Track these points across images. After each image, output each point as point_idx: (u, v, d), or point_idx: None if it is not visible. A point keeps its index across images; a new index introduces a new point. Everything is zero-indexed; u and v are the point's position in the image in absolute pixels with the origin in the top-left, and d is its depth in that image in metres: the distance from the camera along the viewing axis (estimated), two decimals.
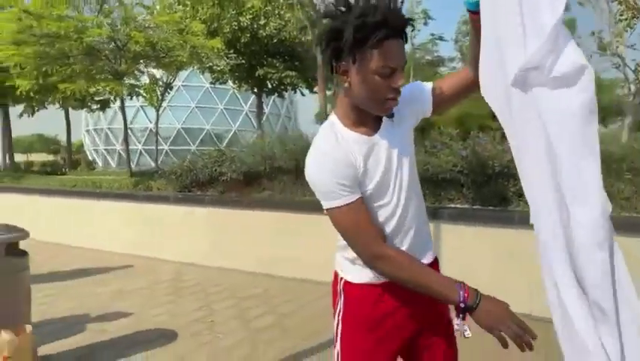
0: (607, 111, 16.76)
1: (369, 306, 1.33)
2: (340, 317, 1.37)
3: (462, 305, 1.14)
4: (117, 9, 7.07)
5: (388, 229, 1.29)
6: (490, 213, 4.19)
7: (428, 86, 1.36)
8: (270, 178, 5.83)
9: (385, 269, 1.21)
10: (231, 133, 38.38)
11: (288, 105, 43.16)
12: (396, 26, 1.12)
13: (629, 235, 3.54)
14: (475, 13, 1.12)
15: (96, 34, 6.37)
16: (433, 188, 4.72)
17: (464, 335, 1.15)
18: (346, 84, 1.19)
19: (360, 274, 1.33)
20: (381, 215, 1.28)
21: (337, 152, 1.20)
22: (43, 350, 3.09)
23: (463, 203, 4.59)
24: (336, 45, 1.15)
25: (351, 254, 1.30)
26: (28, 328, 2.57)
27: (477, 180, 4.50)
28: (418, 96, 1.34)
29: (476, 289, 1.19)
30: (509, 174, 4.38)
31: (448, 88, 1.35)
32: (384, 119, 1.28)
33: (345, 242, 1.28)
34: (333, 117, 1.28)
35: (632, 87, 7.13)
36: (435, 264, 1.45)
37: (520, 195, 4.33)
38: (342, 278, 1.38)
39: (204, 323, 3.71)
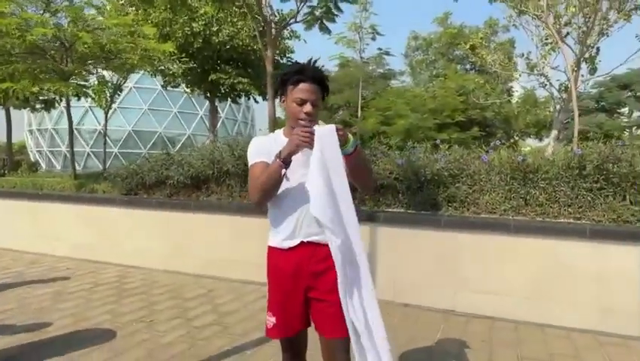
0: (542, 126, 18.03)
1: (276, 260, 1.92)
2: (266, 267, 1.98)
3: (279, 159, 1.73)
4: (64, 9, 6.94)
5: (285, 198, 1.85)
6: (420, 216, 4.53)
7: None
8: (217, 182, 5.93)
9: (252, 195, 1.84)
10: (185, 137, 37.70)
11: (245, 110, 42.94)
12: (309, 75, 1.81)
13: (542, 238, 3.97)
14: (348, 156, 1.78)
15: (40, 33, 6.24)
16: (372, 193, 5.01)
17: (286, 177, 1.80)
18: (284, 108, 1.91)
19: (272, 240, 1.95)
20: (283, 188, 1.84)
21: (263, 140, 1.96)
22: None
23: (399, 208, 4.90)
24: (278, 85, 1.91)
25: (269, 224, 1.96)
26: None
27: (411, 187, 4.83)
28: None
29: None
30: (439, 181, 4.74)
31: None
32: None
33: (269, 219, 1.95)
34: (280, 129, 2.00)
35: (558, 105, 7.82)
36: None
37: (449, 200, 4.71)
38: (268, 244, 1.98)
39: (144, 322, 3.78)
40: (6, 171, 13.60)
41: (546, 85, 7.50)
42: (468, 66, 16.36)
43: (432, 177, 4.75)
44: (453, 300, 4.20)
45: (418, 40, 20.48)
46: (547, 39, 6.97)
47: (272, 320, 1.93)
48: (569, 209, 4.30)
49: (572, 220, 4.24)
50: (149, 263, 5.67)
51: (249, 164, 1.90)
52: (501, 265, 4.08)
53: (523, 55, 7.67)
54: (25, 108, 15.07)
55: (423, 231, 4.40)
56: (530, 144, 20.47)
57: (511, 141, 17.90)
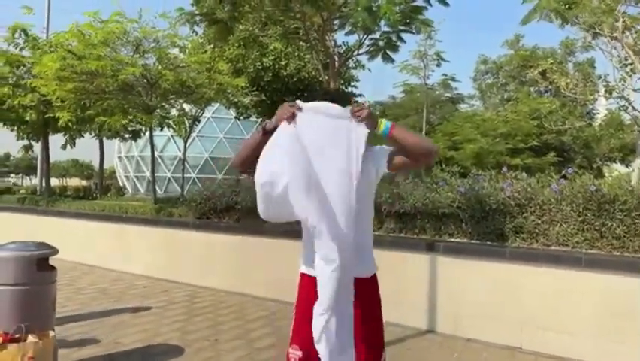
0: (629, 151, 16.56)
1: (308, 290, 1.85)
2: (297, 295, 1.95)
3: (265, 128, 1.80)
4: (151, 50, 7.73)
5: None
6: (483, 247, 4.40)
7: (388, 151, 1.85)
8: None
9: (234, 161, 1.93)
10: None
11: None
12: (333, 99, 1.82)
13: (616, 273, 3.69)
14: (388, 137, 1.77)
15: (130, 72, 6.99)
16: (433, 222, 4.95)
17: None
18: None
19: (302, 268, 1.93)
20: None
21: None
22: (65, 356, 3.44)
23: (462, 237, 4.79)
24: None
25: (302, 252, 1.92)
26: (52, 334, 2.92)
27: (475, 216, 4.71)
28: (377, 156, 1.84)
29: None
30: (505, 211, 4.58)
31: (399, 160, 1.84)
32: None
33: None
34: None
35: None
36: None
37: (517, 231, 4.52)
38: (300, 271, 1.96)
39: (210, 341, 4.00)
40: (97, 195, 15.01)
41: (627, 108, 7.01)
42: (542, 89, 15.64)
43: (497, 206, 4.61)
44: (519, 337, 3.99)
45: (487, 63, 20.02)
46: (626, 60, 6.56)
47: (297, 354, 1.82)
48: None
49: None
50: (216, 284, 5.98)
51: None
52: (571, 301, 3.82)
53: (600, 77, 7.26)
54: (115, 138, 16.67)
55: (486, 262, 4.25)
56: (619, 169, 18.87)
57: (594, 166, 16.66)
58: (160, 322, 4.55)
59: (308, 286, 1.86)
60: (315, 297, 1.76)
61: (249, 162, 1.81)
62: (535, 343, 3.89)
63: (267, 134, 1.75)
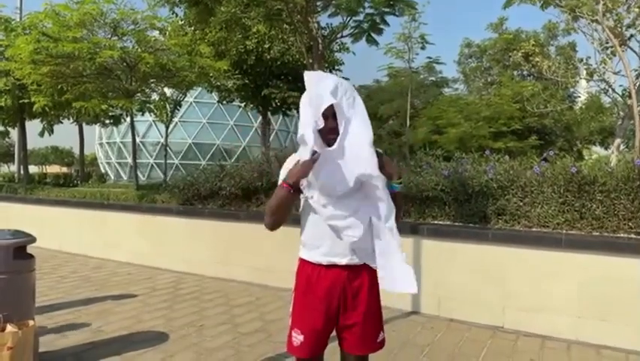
0: (608, 133, 16.90)
1: (310, 276, 1.88)
2: (296, 280, 1.96)
3: (286, 185, 1.74)
4: (130, 33, 7.52)
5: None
6: (466, 229, 4.44)
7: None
8: (267, 193, 6.12)
9: (265, 218, 1.88)
10: (241, 149, 38.96)
11: (297, 122, 43.69)
12: None
13: (596, 253, 3.77)
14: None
15: (108, 55, 6.80)
16: (417, 205, 4.97)
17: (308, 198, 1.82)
18: None
19: (306, 254, 1.91)
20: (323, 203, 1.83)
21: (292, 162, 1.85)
22: (48, 344, 3.39)
23: (446, 220, 4.82)
24: None
25: (302, 238, 1.91)
26: (31, 323, 2.86)
27: (458, 199, 4.74)
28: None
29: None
30: (488, 193, 4.62)
31: None
32: None
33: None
34: None
35: (622, 112, 7.37)
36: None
37: (499, 213, 4.57)
38: (299, 255, 1.96)
39: (195, 327, 3.98)
40: (78, 182, 14.74)
41: (607, 91, 7.09)
42: (525, 72, 15.74)
43: (480, 188, 4.65)
44: (501, 316, 4.07)
45: (472, 47, 20.05)
46: (607, 43, 6.61)
47: (299, 338, 1.85)
48: (630, 223, 4.05)
49: (632, 235, 3.99)
50: (201, 270, 5.94)
51: (279, 182, 1.83)
52: (552, 281, 3.90)
53: (582, 60, 7.33)
54: (95, 124, 16.34)
55: (469, 244, 4.30)
56: (598, 151, 19.24)
57: (574, 149, 16.94)
58: (144, 309, 4.51)
59: (308, 273, 1.88)
60: (316, 283, 1.83)
61: (284, 220, 1.85)
62: (517, 322, 3.97)
63: (296, 191, 1.75)
